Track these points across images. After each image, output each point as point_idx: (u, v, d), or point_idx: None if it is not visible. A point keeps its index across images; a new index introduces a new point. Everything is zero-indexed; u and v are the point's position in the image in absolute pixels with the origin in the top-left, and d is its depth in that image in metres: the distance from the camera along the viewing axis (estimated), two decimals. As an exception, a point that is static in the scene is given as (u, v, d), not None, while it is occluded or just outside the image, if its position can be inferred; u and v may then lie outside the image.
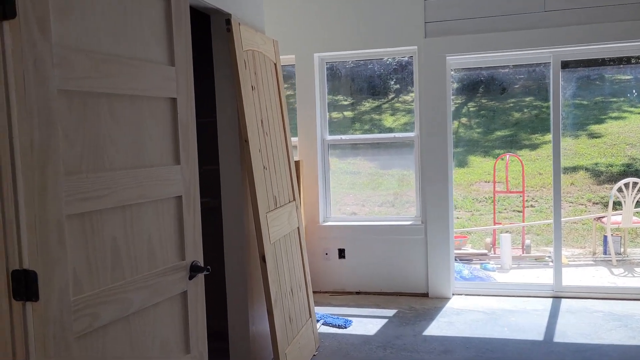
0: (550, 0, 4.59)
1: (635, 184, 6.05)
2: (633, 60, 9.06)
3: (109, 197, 1.78)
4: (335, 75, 5.66)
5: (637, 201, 6.12)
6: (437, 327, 4.28)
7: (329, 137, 5.35)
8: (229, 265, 3.35)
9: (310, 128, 5.22)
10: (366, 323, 4.43)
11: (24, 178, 1.53)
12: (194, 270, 2.19)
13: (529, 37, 4.64)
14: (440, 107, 4.89)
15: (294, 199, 3.82)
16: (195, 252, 2.23)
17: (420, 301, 4.92)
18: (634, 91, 9.88)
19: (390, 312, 4.66)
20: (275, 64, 3.75)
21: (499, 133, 10.61)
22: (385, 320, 4.47)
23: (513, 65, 9.53)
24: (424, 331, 4.21)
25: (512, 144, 10.29)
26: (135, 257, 1.91)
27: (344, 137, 5.43)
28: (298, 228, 3.82)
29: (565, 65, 8.57)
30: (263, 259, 3.12)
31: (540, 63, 5.69)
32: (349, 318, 4.51)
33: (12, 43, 1.50)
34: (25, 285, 1.56)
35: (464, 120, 10.96)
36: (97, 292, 1.74)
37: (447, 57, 4.86)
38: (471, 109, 10.95)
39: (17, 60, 1.50)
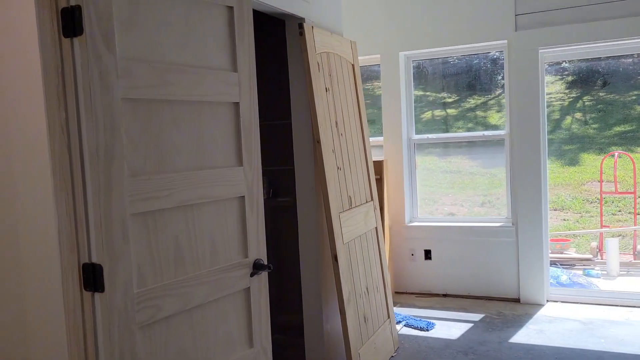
0: (658, -17, 4.19)
1: None
2: None
3: (170, 197, 1.91)
4: (435, 72, 5.55)
5: None
6: (525, 335, 4.07)
7: (415, 137, 5.27)
8: (304, 263, 3.42)
9: (396, 127, 5.17)
10: (450, 327, 4.32)
11: (92, 179, 1.69)
12: (256, 267, 2.28)
13: (628, 26, 4.26)
14: (532, 103, 4.64)
15: (372, 199, 3.81)
16: (259, 250, 2.31)
17: (510, 307, 4.70)
18: None
19: (477, 317, 4.50)
20: (352, 65, 3.77)
21: (617, 128, 9.83)
22: (470, 325, 4.33)
23: (637, 55, 8.76)
24: (510, 338, 4.02)
25: (633, 140, 9.49)
26: (197, 254, 2.03)
27: (430, 136, 5.32)
28: (376, 228, 3.81)
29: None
30: (335, 258, 3.15)
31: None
32: (433, 321, 4.42)
33: (80, 57, 1.66)
34: (93, 277, 1.72)
35: (578, 115, 10.27)
36: (160, 286, 1.87)
37: (540, 51, 4.59)
38: (587, 103, 10.24)
39: (85, 72, 1.66)
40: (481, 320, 4.43)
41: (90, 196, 1.69)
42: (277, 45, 3.66)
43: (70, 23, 1.66)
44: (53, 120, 1.72)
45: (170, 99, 1.92)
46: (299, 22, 3.15)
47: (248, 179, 2.26)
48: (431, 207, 5.95)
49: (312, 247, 3.40)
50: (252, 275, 2.25)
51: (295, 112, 3.39)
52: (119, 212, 1.74)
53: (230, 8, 2.18)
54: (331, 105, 3.35)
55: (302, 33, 3.12)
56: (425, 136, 5.30)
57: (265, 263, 2.32)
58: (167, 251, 1.91)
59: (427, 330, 4.25)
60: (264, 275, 2.34)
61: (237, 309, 2.22)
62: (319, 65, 3.24)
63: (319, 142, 3.14)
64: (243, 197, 2.24)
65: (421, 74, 5.63)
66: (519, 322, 4.34)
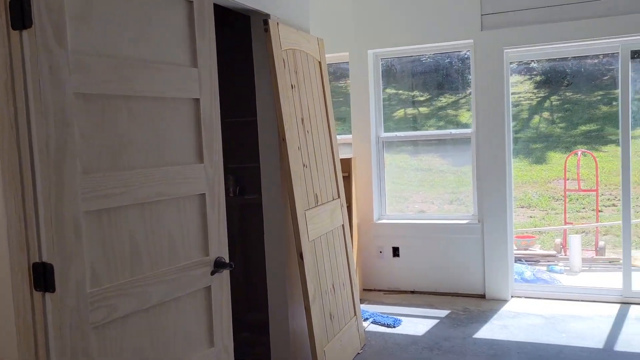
0: (618, -15, 4.28)
1: None
2: None
3: (127, 194, 1.87)
4: (404, 70, 5.57)
5: None
6: (489, 330, 4.13)
7: (384, 135, 5.30)
8: (270, 261, 3.40)
9: (365, 125, 5.19)
10: (417, 323, 4.35)
11: (42, 176, 1.64)
12: (218, 266, 2.25)
13: (593, 27, 4.36)
14: (498, 102, 4.70)
15: (339, 197, 3.82)
16: (220, 248, 2.29)
17: (475, 302, 4.77)
18: None
19: (443, 313, 4.55)
20: (319, 62, 3.76)
21: (583, 128, 10.03)
22: (436, 321, 4.37)
23: (602, 55, 8.93)
24: (474, 334, 4.07)
25: (597, 139, 9.70)
26: (156, 252, 2.00)
27: (398, 134, 5.36)
28: (342, 226, 3.82)
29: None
30: (301, 256, 3.14)
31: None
32: (400, 317, 4.45)
33: (29, 50, 1.61)
34: (43, 277, 1.67)
35: (545, 114, 10.45)
36: (115, 285, 1.84)
37: (505, 50, 4.66)
38: (554, 102, 10.43)
39: (34, 66, 1.61)
40: (447, 316, 4.48)
41: (40, 193, 1.64)
42: (243, 41, 3.63)
43: (19, 15, 1.61)
44: (1, 115, 1.67)
45: (127, 95, 1.88)
46: (264, 19, 3.13)
47: (209, 176, 2.23)
48: (402, 205, 5.99)
49: (277, 245, 3.39)
50: (212, 273, 2.23)
51: (261, 109, 3.36)
52: (71, 210, 1.70)
53: (190, 2, 2.15)
54: (297, 102, 3.34)
55: (267, 29, 3.09)
56: (393, 134, 5.33)
57: (227, 261, 2.30)
58: (123, 250, 1.88)
59: (394, 326, 4.28)
60: (225, 274, 2.32)
61: (198, 308, 2.19)
62: (284, 61, 3.22)
63: (284, 139, 3.12)
64: (204, 194, 2.21)
65: (390, 73, 5.66)
66: (483, 317, 4.41)
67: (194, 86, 2.16)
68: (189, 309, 2.15)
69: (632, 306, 4.45)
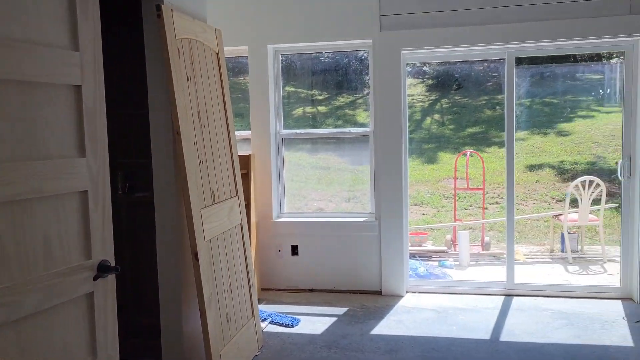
0: (505, -5, 4.53)
1: (591, 182, 6.07)
2: (604, 59, 9.06)
3: (-9, 191, 1.64)
4: (304, 67, 5.53)
5: (594, 199, 6.15)
6: (385, 326, 4.21)
7: (284, 132, 5.23)
8: (162, 262, 3.21)
9: (264, 121, 5.09)
10: (315, 322, 4.34)
11: None
12: (102, 270, 2.05)
13: (483, 33, 4.58)
14: (395, 103, 4.81)
15: (237, 195, 3.69)
16: (105, 251, 2.09)
17: (373, 299, 4.85)
18: (600, 91, 9.94)
19: (341, 311, 4.57)
20: (217, 54, 3.61)
21: (470, 130, 10.61)
22: (334, 319, 4.38)
23: (490, 61, 9.49)
24: (371, 330, 4.13)
25: (483, 140, 10.30)
26: (28, 256, 1.77)
27: (298, 131, 5.32)
28: (241, 224, 3.70)
29: (531, 61, 8.56)
30: (196, 256, 2.99)
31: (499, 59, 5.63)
32: (298, 317, 4.41)
33: None
34: None
35: (436, 116, 10.94)
36: (-24, 295, 1.60)
37: (402, 52, 4.78)
38: (444, 105, 10.94)
39: None
40: (345, 313, 4.51)
41: None
42: (134, 28, 3.39)
43: None
44: None
45: (-10, 77, 1.65)
46: (157, 4, 2.93)
47: (92, 172, 2.03)
48: (300, 203, 5.96)
49: (171, 245, 3.20)
50: (95, 278, 2.03)
51: (152, 101, 3.16)
52: None
53: (71, -23, 1.93)
54: (193, 94, 3.17)
55: (160, 15, 2.90)
56: (293, 131, 5.29)
57: (113, 265, 2.10)
58: (-13, 254, 1.64)
59: (292, 326, 4.23)
60: (110, 279, 2.12)
61: (78, 317, 1.98)
62: (179, 51, 3.04)
63: (178, 133, 2.95)
64: (86, 191, 2.00)
65: (291, 70, 5.60)
66: (380, 314, 4.48)
67: (75, 71, 1.95)
68: (68, 318, 1.94)
69: (515, 298, 4.75)
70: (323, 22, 4.89)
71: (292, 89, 6.03)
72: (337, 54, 5.44)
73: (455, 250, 6.55)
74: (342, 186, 5.95)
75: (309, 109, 6.41)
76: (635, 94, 4.50)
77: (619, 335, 3.89)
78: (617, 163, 4.72)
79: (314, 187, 6.43)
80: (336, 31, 4.88)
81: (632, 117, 4.55)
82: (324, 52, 5.34)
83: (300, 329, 4.20)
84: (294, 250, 5.12)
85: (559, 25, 4.44)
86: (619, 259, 4.86)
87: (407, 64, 4.94)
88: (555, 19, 4.45)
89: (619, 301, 4.58)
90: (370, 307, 4.64)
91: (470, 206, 9.01)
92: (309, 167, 6.27)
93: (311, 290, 5.11)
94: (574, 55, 8.61)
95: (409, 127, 5.01)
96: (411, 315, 4.43)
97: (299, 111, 6.43)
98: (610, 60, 8.61)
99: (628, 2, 4.34)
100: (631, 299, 4.61)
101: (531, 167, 9.33)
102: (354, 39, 4.88)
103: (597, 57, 8.90)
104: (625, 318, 4.21)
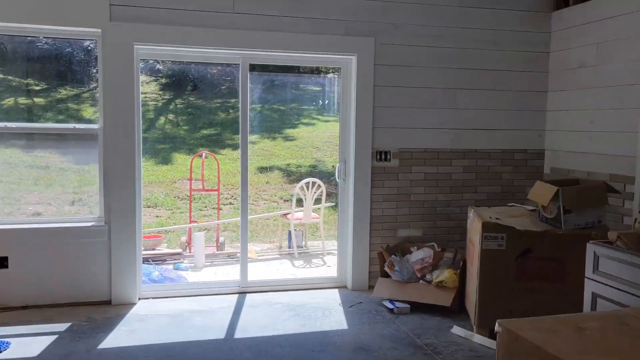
0: (239, 3, 4.66)
1: (314, 183, 6.70)
2: (323, 73, 10.06)
3: None
4: (17, 51, 4.76)
5: (316, 199, 6.80)
6: (116, 338, 3.91)
7: (-10, 124, 4.46)
8: None
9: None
10: (31, 342, 3.79)
11: None
12: None
13: (219, 37, 4.64)
14: (127, 99, 4.52)
15: None
16: None
17: (101, 310, 4.47)
18: (320, 101, 11.06)
19: (64, 326, 4.10)
20: None
21: (205, 131, 10.68)
22: (55, 337, 3.90)
23: (226, 65, 9.66)
24: (99, 344, 3.79)
25: (217, 142, 10.47)
26: None
27: (9, 124, 4.60)
28: None
29: (263, 68, 9.05)
30: None
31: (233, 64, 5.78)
32: (8, 339, 3.79)
33: None
34: None
35: (171, 116, 10.72)
36: None
37: (136, 46, 4.53)
38: (179, 105, 10.78)
39: None
40: (68, 329, 4.05)
41: None
42: None
43: None
44: None
45: None
46: None
47: None
48: (13, 207, 5.16)
49: None
50: None
51: None
52: None
53: None
54: None
55: None
56: (2, 124, 4.54)
57: None
58: None
59: (1, 352, 3.62)
60: None
61: None
62: None
63: None
64: None
65: (1, 53, 4.80)
66: (110, 325, 4.16)
67: None
68: None
69: (248, 295, 4.93)
70: (40, 2, 4.31)
71: (1, 76, 5.20)
72: (60, 42, 4.87)
73: (190, 252, 6.51)
74: (65, 188, 5.34)
75: (23, 100, 5.61)
76: (349, 106, 5.10)
77: (336, 320, 4.36)
78: (334, 166, 5.30)
79: (29, 188, 5.64)
80: (57, 14, 4.35)
81: (346, 126, 5.15)
82: (41, 37, 4.72)
83: (10, 353, 3.61)
84: (3, 262, 4.40)
85: (287, 37, 4.77)
86: (336, 252, 5.46)
87: (141, 59, 4.70)
88: (283, 31, 4.76)
89: (337, 290, 5.14)
90: (98, 319, 4.27)
91: (205, 207, 9.08)
92: (23, 166, 5.47)
93: (24, 307, 4.46)
94: (299, 67, 9.41)
95: (142, 126, 4.78)
96: (144, 323, 4.22)
97: (9, 102, 5.57)
98: (328, 75, 9.62)
99: (343, 25, 4.91)
100: (345, 286, 5.22)
101: (262, 169, 9.89)
102: (78, 26, 4.42)
103: (317, 71, 9.87)
104: (341, 305, 4.73)
